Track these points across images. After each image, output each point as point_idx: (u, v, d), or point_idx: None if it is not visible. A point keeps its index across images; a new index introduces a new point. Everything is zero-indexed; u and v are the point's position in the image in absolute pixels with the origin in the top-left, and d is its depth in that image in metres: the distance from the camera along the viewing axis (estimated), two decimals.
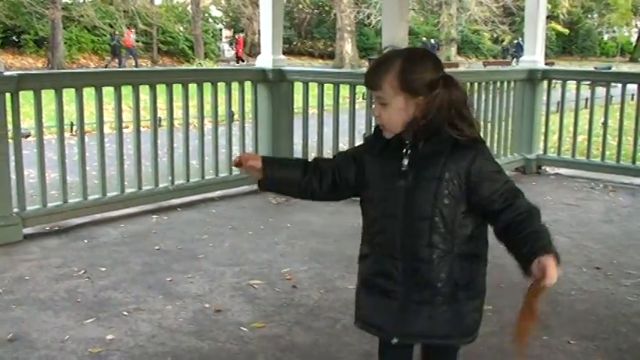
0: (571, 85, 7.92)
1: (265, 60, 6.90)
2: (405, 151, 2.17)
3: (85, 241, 5.18)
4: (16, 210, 5.14)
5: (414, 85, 2.12)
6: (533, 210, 2.15)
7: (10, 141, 5.17)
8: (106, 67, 29.97)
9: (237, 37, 39.18)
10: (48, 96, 5.46)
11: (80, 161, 5.56)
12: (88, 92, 5.61)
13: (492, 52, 46.97)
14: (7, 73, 5.08)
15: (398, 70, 2.12)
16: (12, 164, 5.14)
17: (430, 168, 2.14)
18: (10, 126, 5.11)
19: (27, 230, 5.22)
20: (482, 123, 7.02)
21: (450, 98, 2.11)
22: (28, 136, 6.09)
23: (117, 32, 32.73)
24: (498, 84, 7.66)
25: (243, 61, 36.32)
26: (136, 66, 31.39)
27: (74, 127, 9.38)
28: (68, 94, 5.51)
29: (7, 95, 5.00)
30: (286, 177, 2.36)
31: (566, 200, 6.67)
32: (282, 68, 6.88)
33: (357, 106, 6.72)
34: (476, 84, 7.37)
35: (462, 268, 2.19)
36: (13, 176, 5.15)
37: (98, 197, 5.70)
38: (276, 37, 6.90)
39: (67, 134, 5.82)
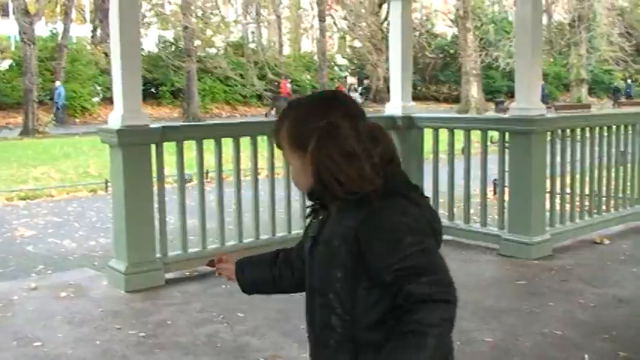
0: None
1: (395, 107, 6.93)
2: (307, 214, 1.91)
3: (223, 286, 5.29)
4: (158, 255, 5.37)
5: (302, 139, 1.77)
6: (414, 324, 1.62)
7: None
8: (265, 116, 31.22)
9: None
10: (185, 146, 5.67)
11: (218, 208, 5.75)
12: (225, 141, 5.83)
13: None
14: (152, 126, 5.37)
15: (288, 126, 1.82)
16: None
17: (323, 233, 1.82)
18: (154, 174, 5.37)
19: (169, 275, 5.43)
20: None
21: (326, 150, 1.73)
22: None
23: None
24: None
25: None
26: None
27: (209, 174, 9.79)
28: (206, 143, 5.74)
29: (153, 146, 5.27)
30: (260, 276, 2.10)
31: None
32: (412, 115, 6.88)
33: (488, 151, 6.59)
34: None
35: None
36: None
37: (235, 243, 5.85)
38: (405, 84, 6.93)
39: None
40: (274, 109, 32.37)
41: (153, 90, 33.09)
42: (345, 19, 40.03)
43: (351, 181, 1.72)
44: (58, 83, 29.45)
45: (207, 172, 9.07)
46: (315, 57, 40.32)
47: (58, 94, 29.18)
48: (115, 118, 5.19)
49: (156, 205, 5.34)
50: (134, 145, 5.15)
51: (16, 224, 9.61)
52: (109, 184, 12.29)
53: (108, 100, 32.80)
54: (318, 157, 1.73)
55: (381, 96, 36.17)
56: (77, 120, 30.93)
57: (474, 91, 35.86)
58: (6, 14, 41.73)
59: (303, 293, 1.95)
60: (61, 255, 7.72)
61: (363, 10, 38.82)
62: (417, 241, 1.69)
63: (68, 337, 4.28)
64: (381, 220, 1.72)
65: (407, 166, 6.71)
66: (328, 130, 1.74)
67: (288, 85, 34.72)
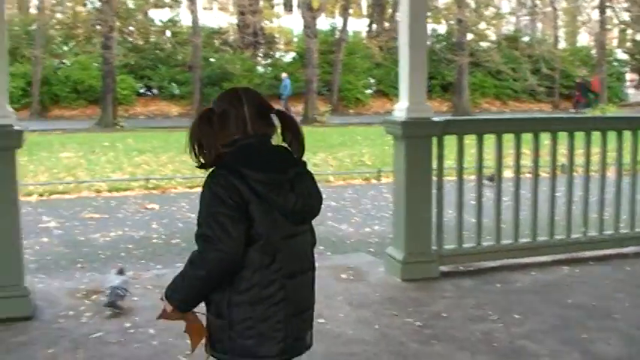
0: None
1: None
2: None
3: (498, 285, 5.23)
4: (434, 248, 5.43)
5: None
6: (192, 256, 2.33)
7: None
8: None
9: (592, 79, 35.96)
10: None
11: (495, 205, 5.66)
12: (507, 137, 5.70)
13: None
14: (435, 119, 5.42)
15: None
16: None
17: None
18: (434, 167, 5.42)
19: (443, 268, 5.46)
20: None
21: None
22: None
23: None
24: None
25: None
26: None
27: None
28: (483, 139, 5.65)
29: (434, 139, 5.32)
30: None
31: None
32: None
33: None
34: None
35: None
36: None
37: (510, 242, 5.73)
38: None
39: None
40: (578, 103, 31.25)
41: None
42: (627, 10, 37.11)
43: (204, 154, 2.43)
44: (284, 75, 30.55)
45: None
46: (593, 51, 37.93)
47: (284, 86, 29.96)
48: (400, 109, 5.32)
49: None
50: (417, 138, 5.25)
51: None
52: (382, 173, 12.84)
53: (380, 93, 33.98)
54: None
55: None
56: (351, 110, 32.37)
57: None
58: (290, 9, 44.83)
59: None
60: (339, 238, 8.14)
61: None
62: (213, 204, 2.30)
63: (349, 318, 4.50)
64: (206, 185, 2.34)
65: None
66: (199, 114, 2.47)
67: (596, 82, 33.00)
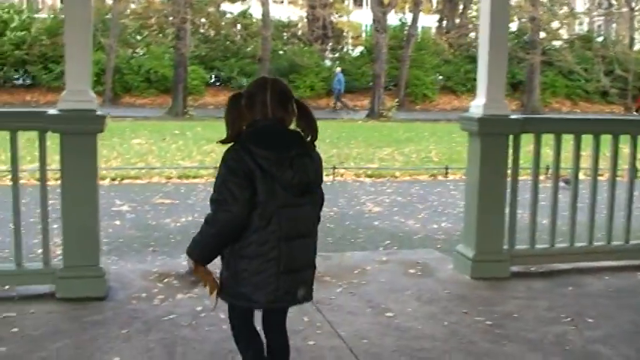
0: None
1: None
2: None
3: (570, 288, 5.12)
4: (506, 247, 5.34)
5: None
6: (207, 217, 2.85)
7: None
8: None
9: None
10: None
11: (571, 207, 5.54)
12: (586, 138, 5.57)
13: None
14: (513, 117, 5.32)
15: None
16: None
17: None
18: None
19: (514, 268, 5.38)
20: None
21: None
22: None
23: None
24: None
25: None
26: None
27: (549, 170, 9.44)
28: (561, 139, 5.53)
29: (511, 137, 5.23)
30: None
31: None
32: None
33: None
34: None
35: None
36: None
37: (584, 245, 5.60)
38: None
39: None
40: None
41: None
42: None
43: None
44: (338, 70, 30.42)
45: (547, 168, 8.88)
46: None
47: (338, 80, 29.91)
48: (477, 106, 5.24)
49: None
50: (493, 135, 5.16)
51: (364, 200, 10.32)
52: (449, 170, 12.73)
53: (447, 89, 33.65)
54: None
55: None
56: (417, 106, 32.16)
57: None
58: (359, 4, 44.75)
59: None
60: (405, 233, 8.10)
61: None
62: (225, 177, 2.79)
63: (417, 313, 4.47)
64: (222, 160, 2.84)
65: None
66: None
67: None
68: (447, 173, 12.76)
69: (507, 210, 5.31)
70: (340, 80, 29.89)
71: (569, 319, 4.45)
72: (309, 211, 2.90)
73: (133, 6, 32.54)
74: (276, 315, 3.05)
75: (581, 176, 5.71)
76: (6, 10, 30.73)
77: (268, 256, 2.79)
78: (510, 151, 5.27)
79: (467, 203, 5.46)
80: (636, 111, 31.89)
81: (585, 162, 5.84)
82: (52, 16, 31.40)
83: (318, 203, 2.98)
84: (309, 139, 2.86)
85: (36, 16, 32.00)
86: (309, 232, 2.91)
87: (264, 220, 2.76)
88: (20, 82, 30.72)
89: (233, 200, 2.73)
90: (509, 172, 5.27)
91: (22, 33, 29.66)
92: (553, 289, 5.08)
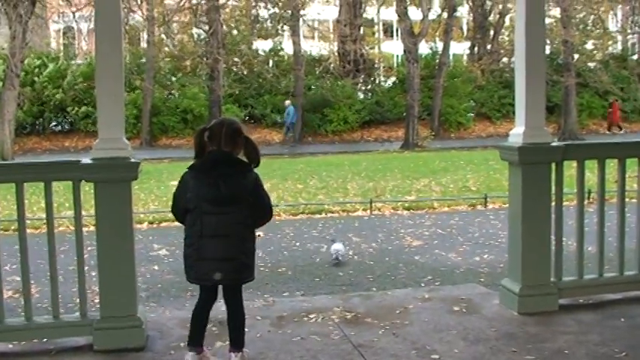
0: None
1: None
2: None
3: (622, 319, 4.90)
4: (553, 279, 5.15)
5: None
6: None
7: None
8: None
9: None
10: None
11: (619, 234, 5.34)
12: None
13: None
14: (554, 144, 5.17)
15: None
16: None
17: None
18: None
19: (562, 301, 5.17)
20: None
21: None
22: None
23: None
24: None
25: (620, 128, 31.74)
26: None
27: (592, 195, 9.20)
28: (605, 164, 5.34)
29: (553, 165, 5.08)
30: None
31: None
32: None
33: None
34: None
35: None
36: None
37: (635, 274, 5.37)
38: None
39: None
40: None
41: None
42: None
43: None
44: (287, 102, 30.36)
45: (589, 192, 8.66)
46: None
47: (287, 113, 30.02)
48: (516, 134, 5.10)
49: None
50: (534, 164, 5.01)
51: (403, 233, 10.13)
52: (489, 199, 12.49)
53: (482, 116, 33.39)
54: None
55: None
56: (452, 135, 31.93)
57: None
58: (390, 35, 44.90)
59: None
60: (447, 267, 7.92)
61: None
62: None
63: (465, 355, 4.30)
64: None
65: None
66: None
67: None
68: (486, 202, 12.50)
69: (553, 240, 5.14)
70: (289, 113, 30.06)
71: (623, 353, 4.24)
72: (235, 218, 3.93)
73: (166, 49, 33.05)
74: (225, 290, 4.16)
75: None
76: (43, 56, 31.45)
77: (193, 247, 3.99)
78: (553, 178, 5.12)
79: (510, 235, 5.29)
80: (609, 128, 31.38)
81: (630, 184, 5.64)
82: (87, 60, 31.99)
83: (245, 212, 3.97)
84: (253, 165, 4.00)
85: (72, 62, 32.67)
86: (229, 232, 3.93)
87: (193, 221, 3.97)
88: (59, 128, 31.32)
89: (174, 203, 4.16)
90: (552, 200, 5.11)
91: (59, 79, 30.29)
92: (604, 321, 4.86)
